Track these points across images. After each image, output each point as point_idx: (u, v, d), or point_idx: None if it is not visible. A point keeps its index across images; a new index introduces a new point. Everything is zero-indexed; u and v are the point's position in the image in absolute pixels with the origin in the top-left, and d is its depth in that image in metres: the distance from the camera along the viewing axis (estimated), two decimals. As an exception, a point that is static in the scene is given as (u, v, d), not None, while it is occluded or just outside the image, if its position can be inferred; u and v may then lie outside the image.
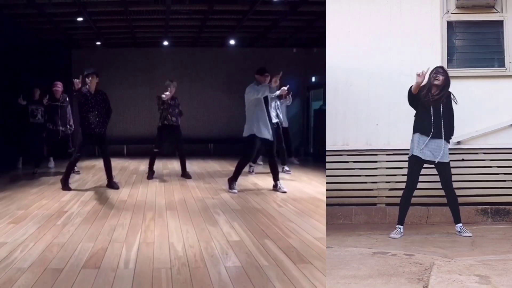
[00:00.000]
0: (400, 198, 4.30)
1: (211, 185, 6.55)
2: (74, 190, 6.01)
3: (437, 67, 4.19)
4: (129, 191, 6.03)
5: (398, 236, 4.10)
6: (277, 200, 5.41)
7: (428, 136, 4.11)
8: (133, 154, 10.86)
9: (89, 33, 9.82)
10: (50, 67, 9.56)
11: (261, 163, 8.25)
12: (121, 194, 5.78)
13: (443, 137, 4.12)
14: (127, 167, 8.73)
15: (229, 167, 7.67)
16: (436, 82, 4.10)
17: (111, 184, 6.18)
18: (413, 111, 4.29)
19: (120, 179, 6.94)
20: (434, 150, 4.12)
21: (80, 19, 8.34)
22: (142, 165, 8.49)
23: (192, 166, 8.44)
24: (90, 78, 5.85)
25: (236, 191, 5.86)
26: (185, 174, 7.19)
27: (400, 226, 4.16)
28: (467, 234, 4.08)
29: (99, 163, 7.09)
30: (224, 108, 11.58)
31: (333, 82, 4.85)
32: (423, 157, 4.12)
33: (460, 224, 4.17)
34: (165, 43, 11.12)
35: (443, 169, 4.18)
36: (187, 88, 10.84)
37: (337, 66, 4.85)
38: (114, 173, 6.61)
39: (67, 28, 9.37)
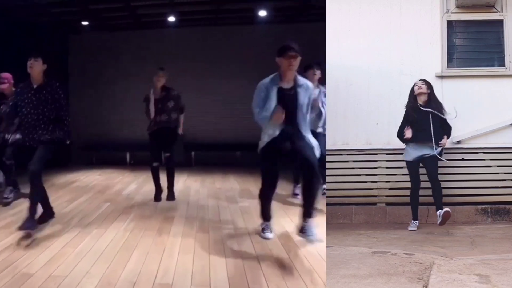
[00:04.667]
0: (409, 198, 4.51)
1: (218, 228, 4.12)
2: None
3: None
4: (56, 247, 3.49)
5: (415, 228, 4.38)
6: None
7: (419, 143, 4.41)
8: (139, 163, 8.46)
9: (79, 13, 8.24)
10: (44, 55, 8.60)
11: None
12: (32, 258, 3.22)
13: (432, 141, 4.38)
14: (111, 187, 6.45)
15: (255, 188, 5.26)
16: (420, 91, 4.44)
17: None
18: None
19: (75, 213, 4.67)
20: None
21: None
22: (137, 183, 6.58)
23: (201, 186, 6.48)
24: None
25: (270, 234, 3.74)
26: (169, 195, 5.43)
27: (415, 221, 4.44)
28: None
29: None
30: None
31: (333, 81, 4.84)
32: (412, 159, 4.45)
33: (441, 211, 4.35)
34: (171, 19, 8.48)
35: (428, 162, 4.41)
36: (200, 80, 9.09)
37: (337, 65, 4.85)
38: (82, 197, 5.48)
39: (59, 11, 8.02)
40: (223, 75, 9.05)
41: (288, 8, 8.03)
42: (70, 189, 6.27)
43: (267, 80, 3.48)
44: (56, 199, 5.38)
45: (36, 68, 3.87)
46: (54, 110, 3.92)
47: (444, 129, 4.45)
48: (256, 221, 4.02)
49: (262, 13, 8.00)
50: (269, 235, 3.68)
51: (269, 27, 8.47)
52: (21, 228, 3.69)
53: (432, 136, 4.33)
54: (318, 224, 3.45)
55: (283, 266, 3.05)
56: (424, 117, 4.36)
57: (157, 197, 5.37)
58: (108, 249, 3.47)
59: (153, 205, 5.17)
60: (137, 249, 3.45)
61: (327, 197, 4.69)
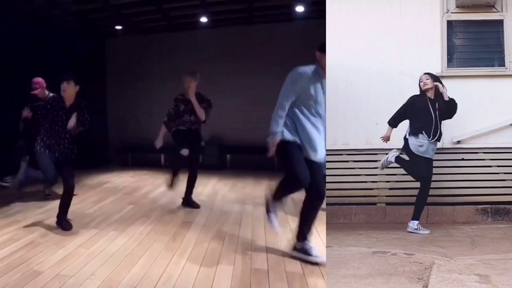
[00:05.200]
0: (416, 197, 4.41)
1: (235, 236, 3.98)
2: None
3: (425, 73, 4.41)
4: (70, 247, 3.61)
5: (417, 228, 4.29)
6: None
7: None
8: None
9: (111, 19, 8.53)
10: (83, 62, 8.80)
11: None
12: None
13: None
14: (140, 189, 6.53)
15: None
16: (426, 87, 4.32)
17: None
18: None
19: (98, 214, 4.79)
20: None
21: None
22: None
23: (230, 191, 6.25)
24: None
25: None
26: (188, 201, 5.19)
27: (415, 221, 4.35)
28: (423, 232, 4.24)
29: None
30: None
31: (333, 81, 4.84)
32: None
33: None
34: (203, 19, 8.53)
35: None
36: (236, 80, 9.06)
37: (337, 65, 4.84)
38: (109, 198, 5.65)
39: (92, 17, 8.40)
40: (260, 75, 8.87)
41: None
42: (100, 190, 6.40)
43: (307, 70, 3.13)
44: (84, 199, 5.61)
45: (69, 91, 4.13)
46: (78, 129, 4.18)
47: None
48: (277, 230, 3.72)
49: (300, 8, 7.72)
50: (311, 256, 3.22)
51: (306, 23, 8.20)
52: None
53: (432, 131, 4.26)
54: (315, 244, 3.34)
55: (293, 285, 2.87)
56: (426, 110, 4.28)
57: (171, 184, 5.14)
58: (119, 252, 3.51)
59: (175, 209, 5.09)
60: (147, 254, 3.48)
61: (327, 197, 4.69)
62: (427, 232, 4.21)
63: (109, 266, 3.16)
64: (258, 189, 6.37)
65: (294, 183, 3.17)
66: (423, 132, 4.25)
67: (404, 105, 4.37)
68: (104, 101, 10.23)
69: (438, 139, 4.31)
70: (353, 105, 4.95)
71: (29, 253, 3.43)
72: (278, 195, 3.29)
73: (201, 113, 4.96)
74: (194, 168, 5.15)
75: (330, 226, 4.36)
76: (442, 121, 4.36)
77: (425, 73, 4.38)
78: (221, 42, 9.14)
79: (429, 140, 4.24)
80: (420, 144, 4.25)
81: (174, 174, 5.15)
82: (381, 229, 4.41)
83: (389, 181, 4.88)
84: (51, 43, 8.32)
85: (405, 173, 4.52)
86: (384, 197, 4.87)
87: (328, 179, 4.73)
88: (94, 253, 3.46)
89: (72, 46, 8.88)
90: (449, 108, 4.30)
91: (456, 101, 4.33)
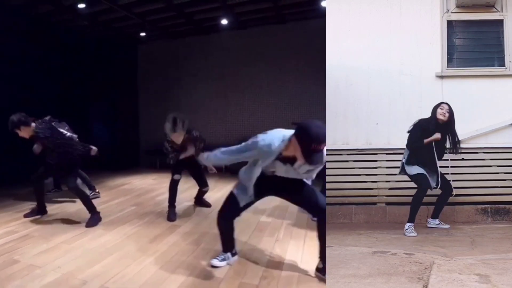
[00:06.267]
0: (412, 197, 4.37)
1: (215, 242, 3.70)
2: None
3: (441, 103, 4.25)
4: (55, 242, 3.87)
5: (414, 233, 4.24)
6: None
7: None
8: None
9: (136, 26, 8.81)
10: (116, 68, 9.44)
11: None
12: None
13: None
14: (153, 191, 6.63)
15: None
16: (442, 118, 4.18)
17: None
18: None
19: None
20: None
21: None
22: (181, 189, 5.58)
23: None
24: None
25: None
26: (200, 201, 5.43)
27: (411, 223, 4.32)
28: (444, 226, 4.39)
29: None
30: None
31: (333, 81, 4.85)
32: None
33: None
34: (224, 21, 8.50)
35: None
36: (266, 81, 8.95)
37: (337, 65, 4.85)
38: (119, 199, 5.83)
39: (119, 26, 8.70)
40: (289, 74, 8.79)
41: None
42: (115, 191, 6.63)
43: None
44: (98, 199, 5.85)
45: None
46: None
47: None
48: (263, 238, 3.94)
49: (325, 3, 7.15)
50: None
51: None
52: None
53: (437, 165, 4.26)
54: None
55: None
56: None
57: (171, 216, 4.82)
58: (95, 249, 3.71)
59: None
60: (118, 253, 3.63)
61: (327, 197, 4.69)
62: (446, 226, 4.40)
63: (78, 261, 3.38)
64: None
65: None
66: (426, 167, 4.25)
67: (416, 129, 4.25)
68: (136, 104, 10.57)
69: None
70: (353, 105, 4.95)
71: (18, 244, 3.78)
72: None
73: (197, 152, 4.78)
74: (201, 185, 5.26)
75: (330, 226, 4.36)
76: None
77: (446, 103, 4.22)
78: (245, 43, 9.16)
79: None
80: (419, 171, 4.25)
81: (169, 204, 5.00)
82: (381, 229, 4.41)
83: (389, 181, 4.88)
84: (87, 52, 9.08)
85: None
86: (384, 197, 4.87)
87: (328, 179, 4.74)
88: (73, 249, 3.70)
89: (106, 53, 9.51)
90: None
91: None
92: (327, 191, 4.72)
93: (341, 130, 4.95)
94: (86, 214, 4.61)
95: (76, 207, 5.21)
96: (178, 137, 4.59)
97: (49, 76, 8.06)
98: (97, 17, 8.10)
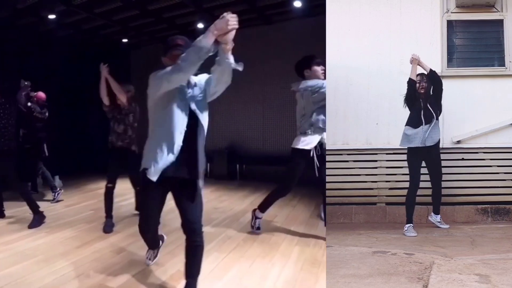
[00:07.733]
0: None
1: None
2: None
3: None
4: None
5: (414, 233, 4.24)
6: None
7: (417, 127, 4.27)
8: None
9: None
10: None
11: None
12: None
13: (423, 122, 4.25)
14: (122, 196, 5.66)
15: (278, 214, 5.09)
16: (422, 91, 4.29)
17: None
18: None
19: (61, 216, 4.98)
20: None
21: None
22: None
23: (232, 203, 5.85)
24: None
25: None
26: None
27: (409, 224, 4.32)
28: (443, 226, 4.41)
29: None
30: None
31: (333, 81, 4.84)
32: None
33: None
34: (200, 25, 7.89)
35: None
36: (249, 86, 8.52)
37: (337, 65, 4.85)
38: (89, 201, 5.59)
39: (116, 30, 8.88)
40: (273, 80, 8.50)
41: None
42: (88, 195, 6.55)
43: None
44: (65, 201, 5.80)
45: None
46: None
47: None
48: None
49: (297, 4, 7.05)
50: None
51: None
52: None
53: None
54: None
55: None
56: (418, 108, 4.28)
57: (105, 228, 4.44)
58: (25, 251, 3.71)
59: (126, 218, 4.89)
60: (40, 256, 3.59)
61: (327, 197, 4.69)
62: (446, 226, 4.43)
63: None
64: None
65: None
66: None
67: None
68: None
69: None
70: (353, 105, 4.95)
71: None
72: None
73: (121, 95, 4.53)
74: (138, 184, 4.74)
75: (330, 226, 4.36)
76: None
77: (419, 74, 4.34)
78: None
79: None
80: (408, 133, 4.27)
81: (106, 214, 4.66)
82: (381, 229, 4.41)
83: (389, 181, 4.88)
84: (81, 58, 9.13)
85: (405, 173, 4.52)
86: (384, 197, 4.87)
87: (328, 179, 4.73)
88: (4, 250, 3.71)
89: (98, 59, 9.41)
90: (435, 87, 4.29)
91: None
92: (327, 191, 4.72)
93: (341, 130, 4.95)
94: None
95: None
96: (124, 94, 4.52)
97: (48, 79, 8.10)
98: (81, 26, 8.35)
